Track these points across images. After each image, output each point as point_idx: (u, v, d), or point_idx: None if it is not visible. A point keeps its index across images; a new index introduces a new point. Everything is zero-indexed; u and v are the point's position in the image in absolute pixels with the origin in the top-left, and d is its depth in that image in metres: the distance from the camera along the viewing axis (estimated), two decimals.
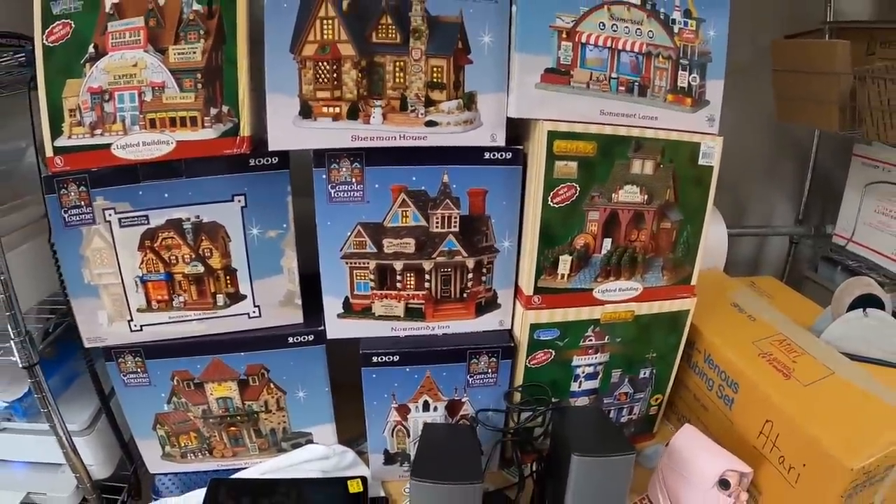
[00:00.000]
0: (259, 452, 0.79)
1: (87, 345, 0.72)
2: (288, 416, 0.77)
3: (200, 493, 0.75)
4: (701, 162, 0.69)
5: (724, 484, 0.67)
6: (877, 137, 0.92)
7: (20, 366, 0.70)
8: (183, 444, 0.77)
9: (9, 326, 0.68)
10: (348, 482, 0.74)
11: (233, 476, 0.77)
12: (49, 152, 0.63)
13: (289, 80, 0.60)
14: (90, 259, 0.67)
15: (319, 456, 0.77)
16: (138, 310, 0.70)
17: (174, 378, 0.73)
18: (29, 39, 0.68)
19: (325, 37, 0.60)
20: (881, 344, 0.76)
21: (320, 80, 0.61)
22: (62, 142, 0.62)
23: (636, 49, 0.63)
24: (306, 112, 0.61)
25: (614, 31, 0.62)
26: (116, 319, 0.70)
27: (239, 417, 0.76)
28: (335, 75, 0.61)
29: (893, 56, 1.01)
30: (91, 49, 0.61)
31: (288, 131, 0.61)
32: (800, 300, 0.94)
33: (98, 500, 0.80)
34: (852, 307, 0.79)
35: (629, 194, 0.67)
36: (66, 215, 0.65)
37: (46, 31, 0.60)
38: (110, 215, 0.66)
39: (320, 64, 0.60)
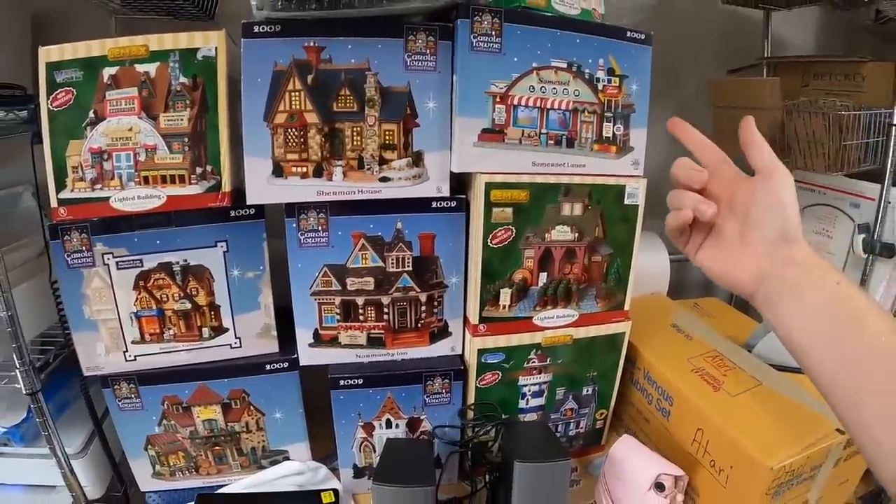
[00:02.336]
0: (241, 469, 0.91)
1: (85, 373, 0.84)
2: (266, 436, 0.89)
3: None
4: (627, 202, 0.83)
5: (659, 487, 0.79)
6: (804, 165, 1.08)
7: (24, 392, 0.81)
8: (171, 463, 0.89)
9: (14, 357, 0.79)
10: (322, 494, 0.84)
11: (217, 491, 0.87)
12: (54, 203, 0.75)
13: (263, 144, 0.74)
14: (90, 297, 0.80)
15: (295, 471, 0.88)
16: (133, 342, 0.82)
17: (164, 402, 0.84)
18: (24, 89, 0.80)
19: (294, 107, 0.73)
20: None
21: (289, 144, 0.74)
22: (66, 194, 0.74)
23: (563, 107, 0.77)
24: (278, 171, 0.74)
25: (542, 92, 0.76)
26: (113, 350, 0.82)
27: (223, 437, 0.88)
28: (302, 140, 0.74)
29: (825, 87, 1.17)
30: (91, 114, 0.72)
31: (263, 188, 0.75)
32: (739, 318, 1.07)
33: None
34: None
35: (561, 233, 0.80)
36: (69, 258, 0.78)
37: (51, 97, 0.71)
38: (108, 259, 0.78)
39: (289, 130, 0.73)
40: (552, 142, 0.78)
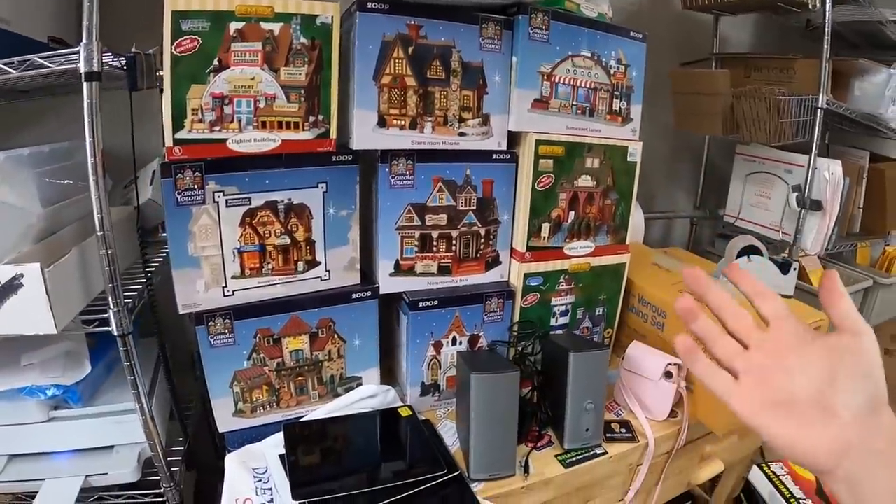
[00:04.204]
0: (319, 399, 1.06)
1: (181, 311, 0.92)
2: (345, 363, 1.04)
3: (274, 438, 0.95)
4: (629, 159, 1.15)
5: (668, 375, 1.07)
6: (750, 138, 1.49)
7: (115, 334, 0.86)
8: (254, 399, 1.00)
9: (109, 297, 0.84)
10: (399, 409, 0.99)
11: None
12: (169, 143, 0.85)
13: (371, 100, 0.94)
14: (197, 234, 0.90)
15: (370, 394, 1.05)
16: (233, 276, 0.94)
17: (257, 335, 0.96)
18: (66, 43, 0.85)
19: (396, 71, 0.93)
20: (762, 279, 1.20)
21: (392, 101, 0.94)
22: (182, 135, 0.84)
23: (587, 85, 1.07)
24: (382, 123, 0.93)
25: (575, 74, 1.05)
26: (212, 286, 0.93)
27: (306, 367, 1.01)
28: (402, 98, 0.94)
29: (763, 78, 1.59)
30: (216, 62, 0.84)
31: (369, 136, 0.94)
32: (702, 260, 1.47)
33: (167, 469, 0.96)
34: (739, 256, 1.29)
35: (584, 181, 1.09)
36: (179, 196, 0.89)
37: (175, 42, 0.81)
38: (219, 197, 0.90)
39: (392, 90, 0.93)
40: (580, 112, 1.07)
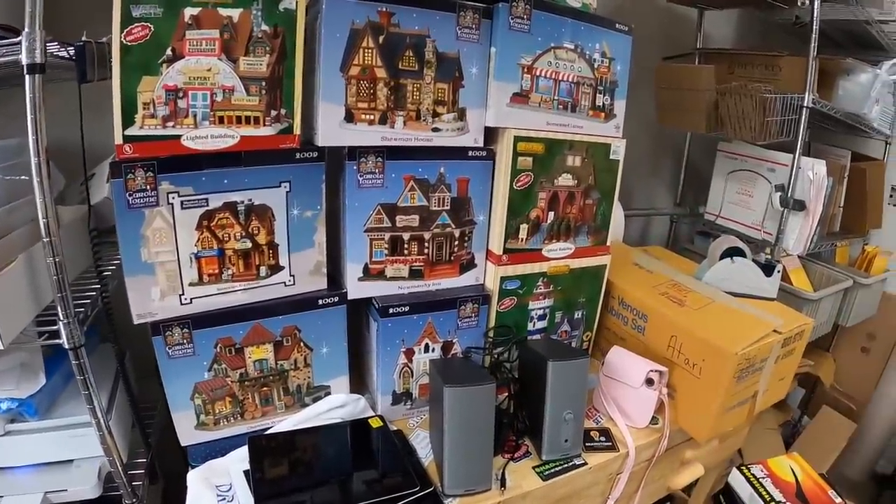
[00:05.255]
0: (285, 410, 1.02)
1: (136, 321, 0.87)
2: (312, 372, 1.01)
3: (238, 452, 0.90)
4: (611, 157, 1.13)
5: (650, 382, 1.05)
6: (734, 136, 1.48)
7: (66, 346, 0.81)
8: (217, 411, 0.96)
9: (58, 308, 0.78)
10: (370, 420, 0.96)
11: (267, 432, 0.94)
12: (119, 140, 0.79)
13: (338, 92, 0.90)
14: (150, 238, 0.85)
15: (339, 404, 1.02)
16: (190, 283, 0.89)
17: (217, 345, 0.92)
18: (16, 31, 0.79)
19: (366, 62, 0.89)
20: (746, 282, 1.27)
21: (360, 94, 0.90)
22: (133, 131, 0.79)
23: (570, 79, 1.04)
24: (349, 117, 0.89)
25: (556, 66, 1.02)
26: (168, 294, 0.88)
27: (271, 377, 0.98)
28: (371, 91, 0.90)
29: (747, 75, 1.57)
30: (169, 52, 0.78)
31: (335, 131, 0.90)
32: (683, 260, 1.46)
33: (128, 484, 0.91)
34: (723, 257, 1.26)
35: (565, 180, 1.06)
36: (130, 198, 0.83)
37: (125, 31, 0.75)
38: (173, 198, 0.85)
39: (361, 82, 0.89)
40: (561, 107, 1.04)
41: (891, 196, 1.94)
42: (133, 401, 1.04)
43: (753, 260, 1.31)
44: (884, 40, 1.63)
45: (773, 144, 1.48)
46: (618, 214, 1.46)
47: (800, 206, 1.49)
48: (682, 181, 1.87)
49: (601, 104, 1.09)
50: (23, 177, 0.90)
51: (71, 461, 0.94)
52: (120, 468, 0.90)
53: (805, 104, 1.42)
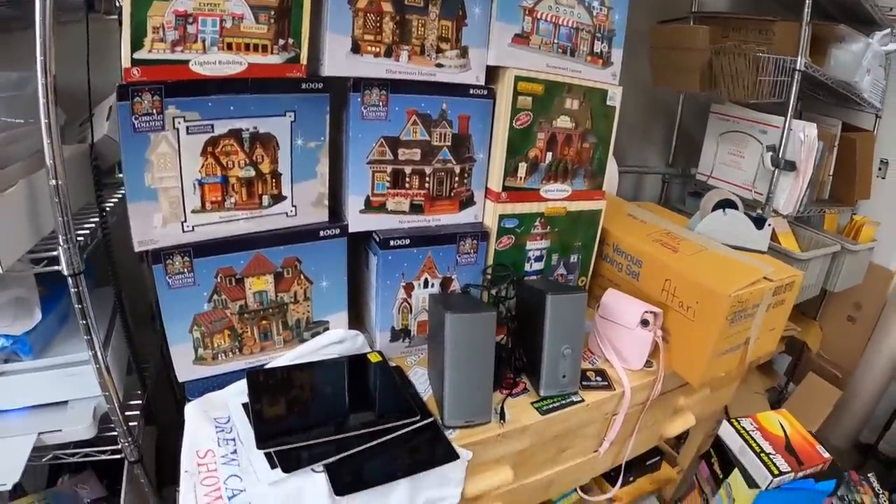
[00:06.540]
0: (283, 345, 1.04)
1: (137, 248, 0.89)
2: (311, 306, 1.02)
3: (236, 385, 0.92)
4: (608, 103, 1.17)
5: (644, 323, 1.09)
6: (727, 95, 1.52)
7: (65, 273, 0.81)
8: (216, 345, 0.98)
9: (59, 232, 0.79)
10: (368, 356, 0.98)
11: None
12: (126, 63, 0.81)
13: (345, 24, 0.93)
14: (154, 163, 0.87)
15: (337, 339, 1.04)
16: (193, 210, 0.91)
17: (218, 275, 0.94)
18: None
19: None
20: (737, 234, 1.31)
21: (367, 26, 0.93)
22: (141, 55, 0.81)
23: (569, 24, 1.08)
24: (356, 49, 0.92)
25: (557, 11, 1.05)
26: (171, 221, 0.90)
27: (271, 310, 0.99)
28: (378, 24, 0.93)
29: (742, 38, 1.61)
30: None
31: (341, 62, 0.93)
32: (675, 215, 1.49)
33: (125, 423, 0.94)
34: (715, 209, 1.31)
35: (563, 122, 1.10)
36: (136, 122, 0.85)
37: None
38: (179, 123, 0.86)
39: (368, 14, 0.91)
40: (561, 50, 1.08)
41: (879, 169, 2.01)
42: (130, 337, 1.06)
43: (745, 213, 1.35)
44: (877, 14, 1.69)
45: (765, 108, 1.53)
46: (612, 168, 1.49)
47: (790, 166, 1.55)
48: (675, 145, 1.93)
49: (599, 51, 1.13)
50: (18, 114, 0.90)
51: (66, 402, 0.95)
52: (116, 405, 0.91)
53: (797, 67, 1.48)
